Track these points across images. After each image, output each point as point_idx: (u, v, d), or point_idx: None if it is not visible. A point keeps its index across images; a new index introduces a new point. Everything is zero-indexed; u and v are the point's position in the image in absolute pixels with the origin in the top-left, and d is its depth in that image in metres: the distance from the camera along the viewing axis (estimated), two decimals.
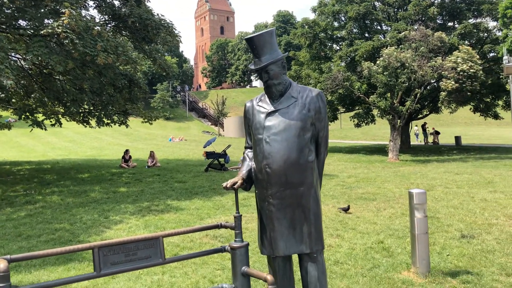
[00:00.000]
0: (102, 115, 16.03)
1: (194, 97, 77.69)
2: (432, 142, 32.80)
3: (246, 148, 3.56)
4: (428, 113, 28.31)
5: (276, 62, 3.19)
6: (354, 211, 8.25)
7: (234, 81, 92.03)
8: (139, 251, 2.88)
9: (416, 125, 36.89)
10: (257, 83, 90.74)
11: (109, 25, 15.12)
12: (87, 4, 14.56)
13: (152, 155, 18.83)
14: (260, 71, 3.21)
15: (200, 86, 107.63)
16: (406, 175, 14.01)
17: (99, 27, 11.42)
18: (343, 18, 27.22)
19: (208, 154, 17.56)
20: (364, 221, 7.41)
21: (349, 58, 25.59)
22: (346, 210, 8.08)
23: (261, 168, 3.21)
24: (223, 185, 3.21)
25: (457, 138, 30.82)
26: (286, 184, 3.14)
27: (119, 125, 17.46)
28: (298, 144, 3.16)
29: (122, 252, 2.81)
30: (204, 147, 18.47)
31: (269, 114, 3.24)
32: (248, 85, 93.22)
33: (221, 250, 3.26)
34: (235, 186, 3.21)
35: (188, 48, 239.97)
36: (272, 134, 3.18)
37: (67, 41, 9.97)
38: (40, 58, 10.20)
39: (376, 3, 26.79)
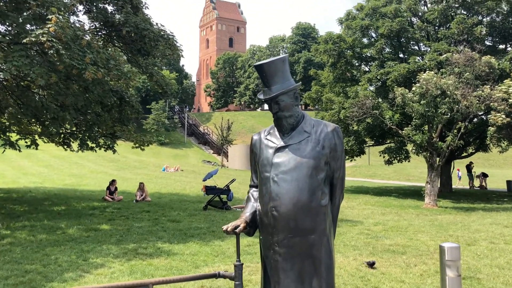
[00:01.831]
0: (86, 137, 16.42)
1: (195, 119, 78.67)
2: (478, 187, 32.68)
3: (251, 186, 3.75)
4: (473, 151, 28.37)
5: (287, 92, 3.42)
6: (379, 266, 8.31)
7: (242, 103, 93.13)
8: None
9: (458, 169, 36.81)
10: None
11: (100, 34, 15.71)
12: (75, 9, 15.18)
13: (141, 187, 19.09)
14: (269, 102, 3.44)
15: (201, 107, 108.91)
16: (445, 225, 14.01)
17: (88, 36, 11.91)
18: (373, 34, 27.82)
19: (208, 189, 17.75)
20: (390, 278, 7.46)
21: (379, 82, 26.00)
22: (371, 265, 8.14)
23: (267, 211, 3.38)
24: (223, 228, 3.38)
25: (509, 183, 30.68)
26: (295, 230, 3.29)
27: (105, 150, 17.82)
28: (310, 185, 3.33)
29: None
30: (204, 180, 18.68)
31: (278, 149, 3.44)
32: (259, 108, 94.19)
33: None
34: (237, 230, 3.38)
35: (190, 61, 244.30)
36: (280, 172, 3.36)
37: (51, 52, 10.40)
38: (20, 70, 10.63)
39: (413, 19, 27.39)
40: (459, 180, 36.09)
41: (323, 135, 3.45)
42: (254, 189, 3.71)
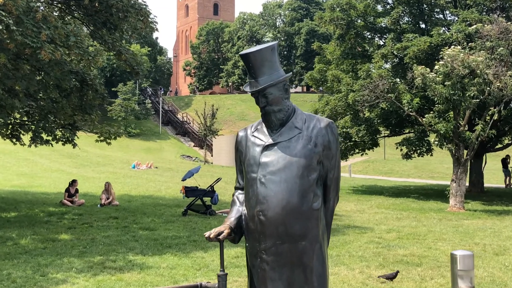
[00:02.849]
0: (40, 128, 16.72)
1: (172, 104, 78.87)
2: None
3: (236, 189, 4.14)
4: (510, 142, 28.91)
5: (276, 84, 3.79)
6: (389, 280, 8.75)
7: (230, 84, 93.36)
8: None
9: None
10: None
11: (57, 3, 15.99)
12: None
13: (107, 188, 19.44)
14: (256, 95, 3.82)
15: (179, 89, 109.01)
16: (471, 232, 14.52)
17: (43, 8, 12.21)
18: (389, 0, 28.23)
19: (188, 191, 18.11)
20: None
21: (396, 59, 26.43)
22: (391, 278, 8.54)
23: (254, 216, 3.76)
24: (206, 235, 3.77)
25: None
26: (284, 236, 3.68)
27: (63, 144, 18.14)
28: (301, 186, 3.71)
29: None
30: (183, 179, 19.04)
31: (266, 148, 3.82)
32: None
33: None
34: (220, 237, 3.76)
35: (166, 33, 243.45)
36: (268, 173, 3.74)
37: (0, 27, 10.70)
38: None
39: None
40: None
41: (316, 131, 3.83)
42: (239, 191, 4.10)
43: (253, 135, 3.96)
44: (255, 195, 3.76)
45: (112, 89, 67.44)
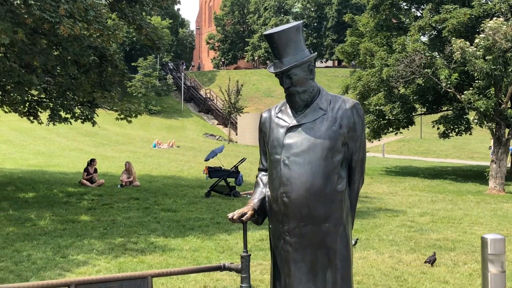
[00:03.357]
0: (58, 106, 17.14)
1: (194, 80, 79.16)
2: None
3: (260, 170, 4.37)
4: None
5: (301, 65, 3.98)
6: (420, 264, 8.95)
7: (256, 58, 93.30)
8: None
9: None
10: None
11: None
12: None
13: (128, 168, 19.85)
14: (281, 76, 4.02)
15: (202, 64, 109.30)
16: (510, 216, 14.61)
17: None
18: None
19: (212, 171, 18.44)
20: (432, 278, 8.11)
21: (434, 32, 26.24)
22: (432, 262, 8.89)
23: (277, 197, 3.99)
24: (229, 216, 4.01)
25: None
26: (308, 218, 3.91)
27: (82, 122, 18.56)
28: (325, 168, 3.93)
29: None
30: (207, 159, 19.35)
31: (290, 129, 4.03)
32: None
33: None
34: (244, 218, 4.01)
35: (188, 4, 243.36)
36: (292, 154, 3.96)
37: (18, 2, 11.01)
38: None
39: None
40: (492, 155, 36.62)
41: (341, 112, 4.04)
42: (263, 173, 4.33)
43: (277, 116, 4.17)
44: (279, 176, 3.98)
45: (132, 64, 67.91)
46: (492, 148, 37.68)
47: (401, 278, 8.10)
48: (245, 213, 4.02)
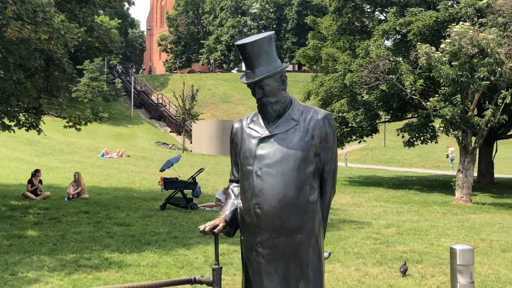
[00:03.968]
0: (1, 113, 16.99)
1: (145, 84, 78.84)
2: None
3: (231, 181, 4.58)
4: None
5: (273, 75, 4.22)
6: (387, 277, 9.29)
7: (212, 61, 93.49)
8: None
9: (451, 146, 38.97)
10: None
11: None
12: None
13: (77, 179, 19.76)
14: (253, 86, 4.25)
15: (154, 67, 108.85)
16: (477, 227, 15.12)
17: None
18: None
19: (168, 182, 18.51)
20: None
21: (398, 36, 26.92)
22: (405, 271, 9.35)
23: (249, 208, 4.20)
24: (200, 229, 4.21)
25: None
26: (280, 229, 4.12)
27: (27, 130, 18.44)
28: (298, 179, 4.16)
29: None
30: (162, 170, 19.40)
31: (262, 140, 4.25)
32: (236, 69, 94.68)
33: None
34: (215, 230, 4.20)
35: (139, 2, 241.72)
36: (265, 165, 4.18)
37: None
38: None
39: None
40: (451, 164, 38.27)
41: (313, 123, 4.28)
42: (234, 184, 4.54)
43: (249, 127, 4.39)
44: (251, 188, 4.20)
45: (77, 66, 67.13)
46: (450, 157, 39.08)
47: None
48: (217, 225, 4.21)
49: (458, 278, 5.60)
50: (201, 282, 4.32)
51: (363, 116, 26.86)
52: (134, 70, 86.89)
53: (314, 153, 4.25)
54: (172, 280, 4.12)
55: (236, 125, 4.52)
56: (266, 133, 4.28)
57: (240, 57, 4.32)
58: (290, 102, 4.37)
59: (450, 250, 5.70)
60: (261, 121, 4.36)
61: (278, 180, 4.15)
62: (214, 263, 4.27)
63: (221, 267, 4.30)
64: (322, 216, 4.37)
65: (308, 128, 4.26)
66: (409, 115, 29.65)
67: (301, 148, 4.21)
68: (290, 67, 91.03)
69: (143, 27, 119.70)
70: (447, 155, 40.12)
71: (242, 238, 4.37)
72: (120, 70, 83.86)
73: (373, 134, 29.56)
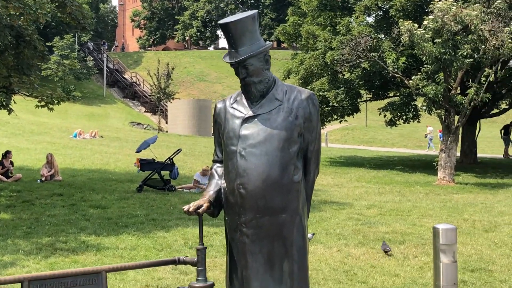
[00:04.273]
0: None
1: (118, 62, 78.49)
2: None
3: (214, 162, 4.72)
4: (507, 107, 30.03)
5: (257, 55, 4.34)
6: (369, 258, 9.53)
7: (187, 38, 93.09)
8: None
9: (429, 126, 39.71)
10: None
11: None
12: None
13: (50, 160, 19.74)
14: (236, 66, 4.36)
15: (126, 44, 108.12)
16: (460, 207, 15.43)
17: None
18: None
19: (144, 164, 18.63)
20: (382, 272, 8.68)
21: (380, 12, 27.07)
22: (387, 251, 9.72)
23: (234, 189, 4.35)
24: (184, 209, 4.34)
25: None
26: (264, 209, 4.28)
27: None
28: (281, 159, 4.31)
29: (57, 287, 3.94)
30: (138, 151, 19.47)
31: (246, 120, 4.39)
32: (212, 46, 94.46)
33: None
34: (199, 211, 4.34)
35: None
36: (248, 146, 4.32)
37: None
38: None
39: None
40: (429, 145, 39.06)
41: (297, 103, 4.43)
42: (218, 164, 4.68)
43: (232, 107, 4.52)
44: (235, 168, 4.35)
45: (47, 43, 66.40)
46: (429, 136, 39.72)
47: (350, 272, 8.62)
48: (201, 205, 4.35)
49: (441, 257, 5.80)
50: (185, 263, 4.46)
51: (344, 95, 26.97)
52: (106, 47, 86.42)
53: (298, 133, 4.40)
54: (157, 260, 4.27)
55: (219, 105, 4.64)
56: (249, 113, 4.41)
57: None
58: (273, 82, 4.50)
59: (433, 229, 5.91)
60: (244, 101, 4.48)
61: (262, 160, 4.29)
62: (199, 243, 4.41)
63: (206, 247, 4.44)
64: (306, 196, 4.54)
65: (292, 108, 4.40)
66: (391, 94, 29.88)
67: (285, 128, 4.35)
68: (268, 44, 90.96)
69: (115, 1, 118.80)
70: (426, 134, 40.73)
71: (226, 218, 4.51)
72: (91, 47, 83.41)
73: (354, 113, 29.76)
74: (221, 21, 4.36)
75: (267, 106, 4.41)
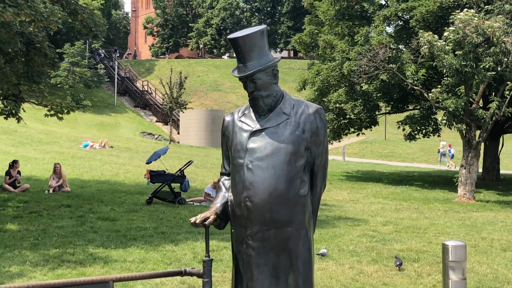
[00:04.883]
0: None
1: (130, 70, 78.94)
2: None
3: (222, 174, 4.95)
4: None
5: (265, 69, 4.57)
6: (382, 276, 9.67)
7: (201, 46, 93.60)
8: None
9: (442, 140, 39.80)
10: None
11: None
12: None
13: (57, 170, 20.01)
14: (245, 80, 4.60)
15: (139, 51, 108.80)
16: (479, 225, 15.53)
17: None
18: None
19: (154, 176, 18.81)
20: None
21: (400, 22, 27.23)
22: (399, 265, 9.96)
23: (240, 201, 4.56)
24: (191, 221, 4.55)
25: None
26: (270, 222, 4.49)
27: (6, 118, 18.67)
28: (288, 173, 4.52)
29: None
30: (148, 162, 19.70)
31: (253, 133, 4.61)
32: (227, 54, 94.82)
33: None
34: (206, 223, 4.54)
35: None
36: (256, 159, 4.54)
37: None
38: None
39: None
40: (448, 161, 39.14)
41: (304, 117, 4.65)
42: (225, 177, 4.91)
43: (240, 120, 4.75)
44: (242, 181, 4.56)
45: (57, 50, 67.02)
46: (441, 151, 39.82)
47: None
48: (208, 218, 4.56)
49: (450, 274, 5.96)
50: (191, 274, 4.66)
51: (362, 107, 27.18)
52: (118, 55, 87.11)
53: (304, 147, 4.61)
54: (163, 271, 4.48)
55: (228, 118, 4.87)
56: (257, 126, 4.62)
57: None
58: (281, 96, 4.72)
59: (442, 246, 6.07)
60: (252, 114, 4.70)
61: (268, 173, 4.50)
62: (205, 255, 4.62)
63: (212, 259, 4.64)
64: (312, 210, 4.74)
65: (299, 122, 4.62)
66: (411, 107, 30.02)
67: (292, 142, 4.56)
68: (285, 54, 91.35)
69: (127, 8, 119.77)
70: (439, 149, 40.81)
71: (233, 231, 4.72)
72: (102, 54, 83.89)
73: (372, 126, 29.93)
74: (230, 36, 4.59)
75: (274, 120, 4.62)
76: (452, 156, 40.31)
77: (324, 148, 4.76)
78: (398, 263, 10.03)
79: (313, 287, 4.69)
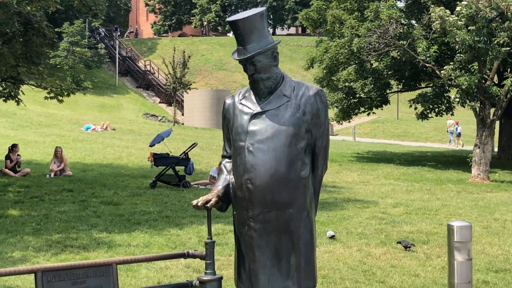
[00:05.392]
0: None
1: (131, 49, 78.80)
2: None
3: (223, 157, 5.16)
4: None
5: (265, 52, 4.74)
6: (390, 258, 9.88)
7: (205, 24, 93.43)
8: (89, 279, 4.45)
9: (450, 119, 39.85)
10: None
11: None
12: None
13: (58, 154, 20.24)
14: (244, 63, 4.78)
15: (140, 30, 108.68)
16: (492, 206, 15.72)
17: None
18: None
19: (158, 158, 19.01)
20: (402, 272, 9.04)
21: None
22: (407, 247, 10.20)
23: (241, 184, 4.77)
24: (193, 203, 4.77)
25: None
26: (272, 204, 4.70)
27: (5, 100, 18.88)
28: (289, 155, 4.72)
29: (69, 279, 4.37)
30: (152, 145, 19.88)
31: (254, 116, 4.80)
32: (232, 32, 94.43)
33: (187, 285, 4.83)
34: (208, 205, 4.75)
35: None
36: (256, 141, 4.73)
37: None
38: None
39: None
40: (454, 140, 39.49)
41: (304, 99, 4.84)
42: (227, 160, 5.12)
43: (241, 103, 4.94)
44: (243, 163, 4.77)
45: (56, 29, 66.98)
46: (449, 130, 39.96)
47: (369, 272, 8.98)
48: (210, 200, 4.77)
49: (455, 255, 6.15)
50: (194, 256, 4.89)
51: (372, 85, 27.21)
52: (119, 33, 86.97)
53: (305, 129, 4.80)
54: (166, 254, 4.70)
55: (228, 101, 5.06)
56: (258, 109, 4.82)
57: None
58: (282, 78, 4.90)
59: (448, 226, 6.25)
60: (253, 97, 4.90)
61: (269, 155, 4.70)
62: (207, 237, 4.84)
63: (214, 241, 4.86)
64: (314, 191, 4.95)
65: (300, 104, 4.81)
66: (423, 85, 30.07)
67: (293, 124, 4.76)
68: (292, 30, 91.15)
69: None
70: (447, 129, 40.96)
71: (235, 213, 4.94)
72: (103, 33, 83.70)
73: (383, 105, 29.98)
74: (229, 19, 4.77)
75: (275, 102, 4.81)
76: (459, 135, 40.41)
77: (325, 130, 4.96)
78: (406, 244, 10.25)
79: (315, 268, 4.92)
